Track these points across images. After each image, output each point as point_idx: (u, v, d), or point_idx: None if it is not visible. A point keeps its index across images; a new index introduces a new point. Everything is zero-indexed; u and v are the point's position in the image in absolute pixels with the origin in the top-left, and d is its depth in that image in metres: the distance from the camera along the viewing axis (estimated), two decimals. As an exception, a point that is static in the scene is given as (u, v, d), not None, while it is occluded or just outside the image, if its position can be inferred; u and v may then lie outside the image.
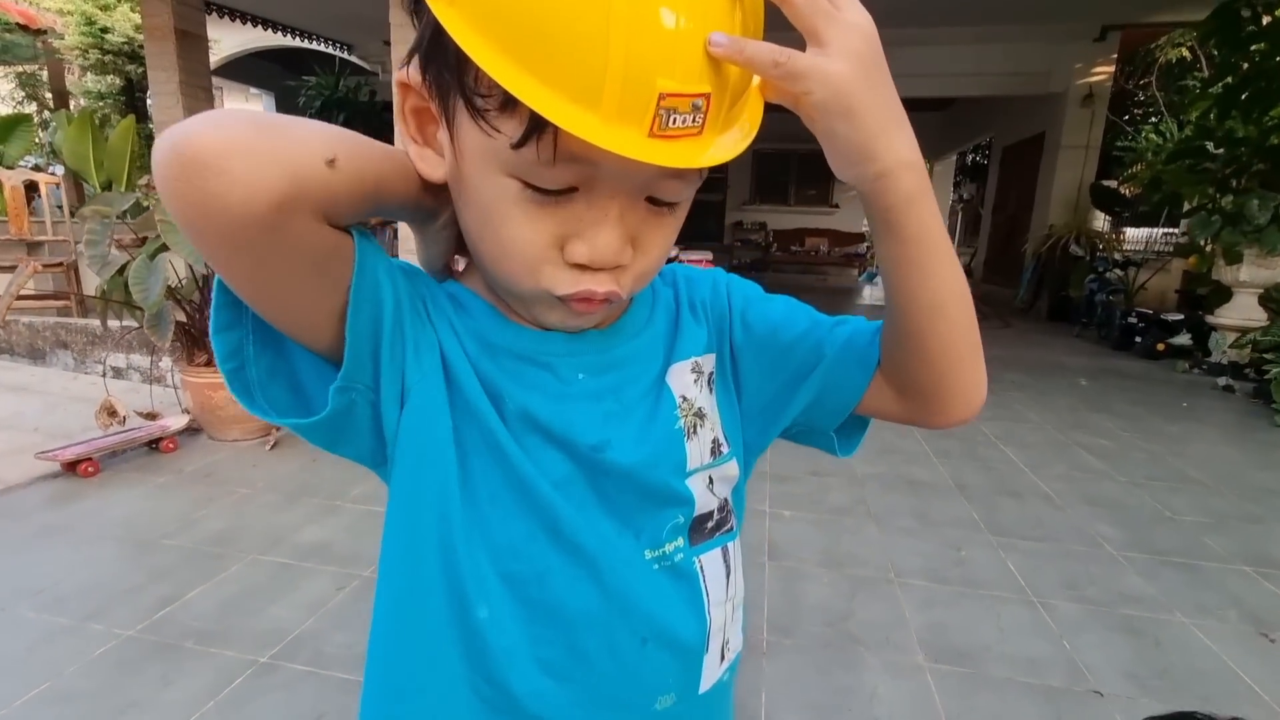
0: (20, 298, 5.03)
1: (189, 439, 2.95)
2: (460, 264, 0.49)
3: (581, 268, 0.39)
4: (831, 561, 2.06)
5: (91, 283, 5.10)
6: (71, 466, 2.49)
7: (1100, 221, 8.79)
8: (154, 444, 2.79)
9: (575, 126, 0.32)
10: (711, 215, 14.66)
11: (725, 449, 0.50)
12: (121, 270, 2.61)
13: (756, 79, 0.38)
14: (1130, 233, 9.39)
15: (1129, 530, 2.35)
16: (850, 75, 0.35)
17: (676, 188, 0.40)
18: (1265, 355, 4.34)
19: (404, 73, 0.39)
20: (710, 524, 0.50)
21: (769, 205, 15.60)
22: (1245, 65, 6.45)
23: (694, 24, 0.32)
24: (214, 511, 2.28)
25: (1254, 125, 6.70)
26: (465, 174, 0.39)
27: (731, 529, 0.52)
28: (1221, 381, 4.72)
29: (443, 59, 0.36)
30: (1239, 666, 1.62)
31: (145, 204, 2.95)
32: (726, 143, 0.36)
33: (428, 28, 0.36)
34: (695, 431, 0.48)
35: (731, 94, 0.35)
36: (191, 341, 2.88)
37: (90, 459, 2.51)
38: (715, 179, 15.18)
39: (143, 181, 5.81)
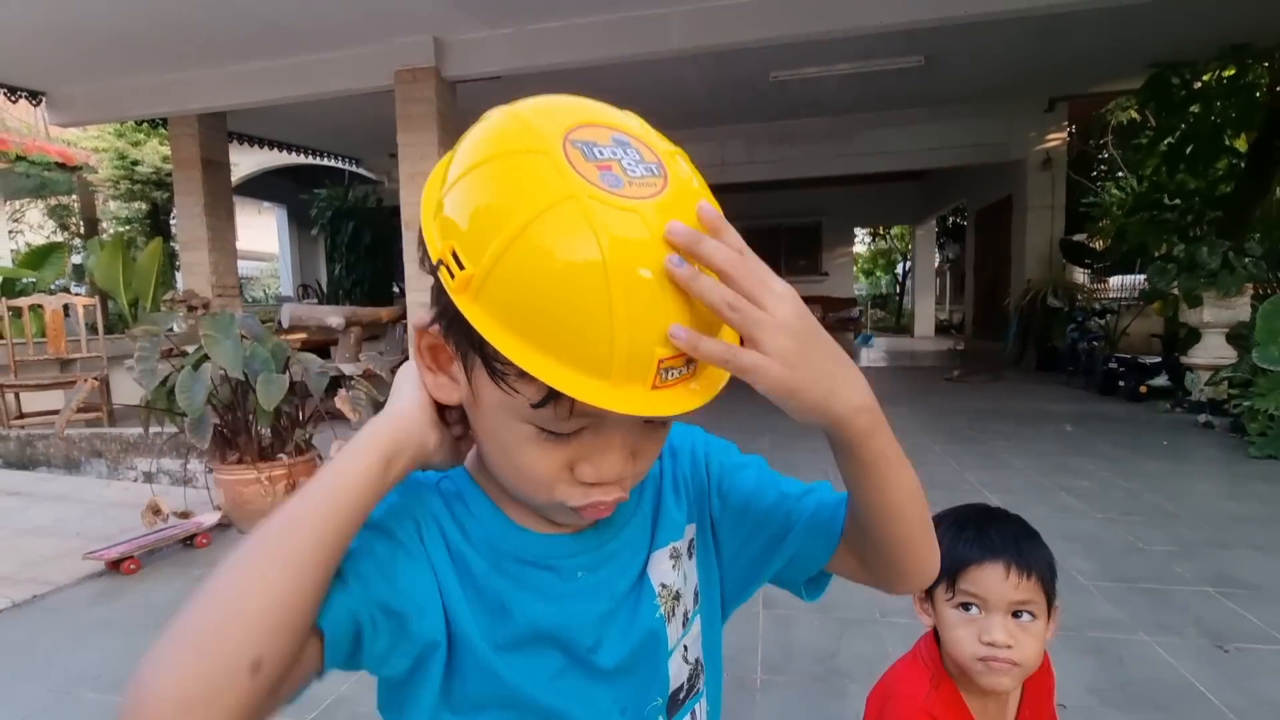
0: (54, 412, 5.35)
1: (220, 534, 3.15)
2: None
3: (588, 482, 0.43)
4: (821, 608, 2.21)
5: (120, 395, 5.41)
6: (115, 565, 2.69)
7: (1080, 275, 9.19)
8: (189, 540, 2.99)
9: (590, 396, 0.36)
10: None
11: (691, 610, 0.55)
12: (164, 381, 2.91)
13: None
14: (1114, 281, 9.79)
15: (1101, 562, 2.50)
16: (784, 371, 0.38)
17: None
18: (1233, 391, 4.55)
19: (423, 322, 0.44)
20: (683, 694, 0.55)
21: (760, 277, 16.13)
22: (1184, 125, 6.97)
23: (678, 305, 0.37)
24: (249, 597, 2.45)
25: (1201, 178, 7.17)
26: (482, 413, 0.43)
27: (699, 690, 0.57)
28: (1201, 419, 4.90)
29: (463, 330, 0.39)
30: (1194, 676, 1.76)
31: (182, 319, 3.26)
32: (714, 375, 0.42)
33: (448, 303, 0.39)
34: (673, 614, 0.53)
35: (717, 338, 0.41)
36: (224, 442, 3.13)
37: (132, 557, 2.71)
38: (707, 256, 15.78)
39: (166, 297, 6.22)
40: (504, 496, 0.49)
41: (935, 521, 0.96)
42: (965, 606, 0.91)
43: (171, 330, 2.94)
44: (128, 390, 5.41)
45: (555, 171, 0.36)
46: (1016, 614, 0.89)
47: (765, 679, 1.81)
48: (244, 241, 7.89)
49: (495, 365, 0.39)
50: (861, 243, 21.95)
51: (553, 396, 0.38)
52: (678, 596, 0.54)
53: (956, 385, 7.41)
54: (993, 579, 0.88)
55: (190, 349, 2.92)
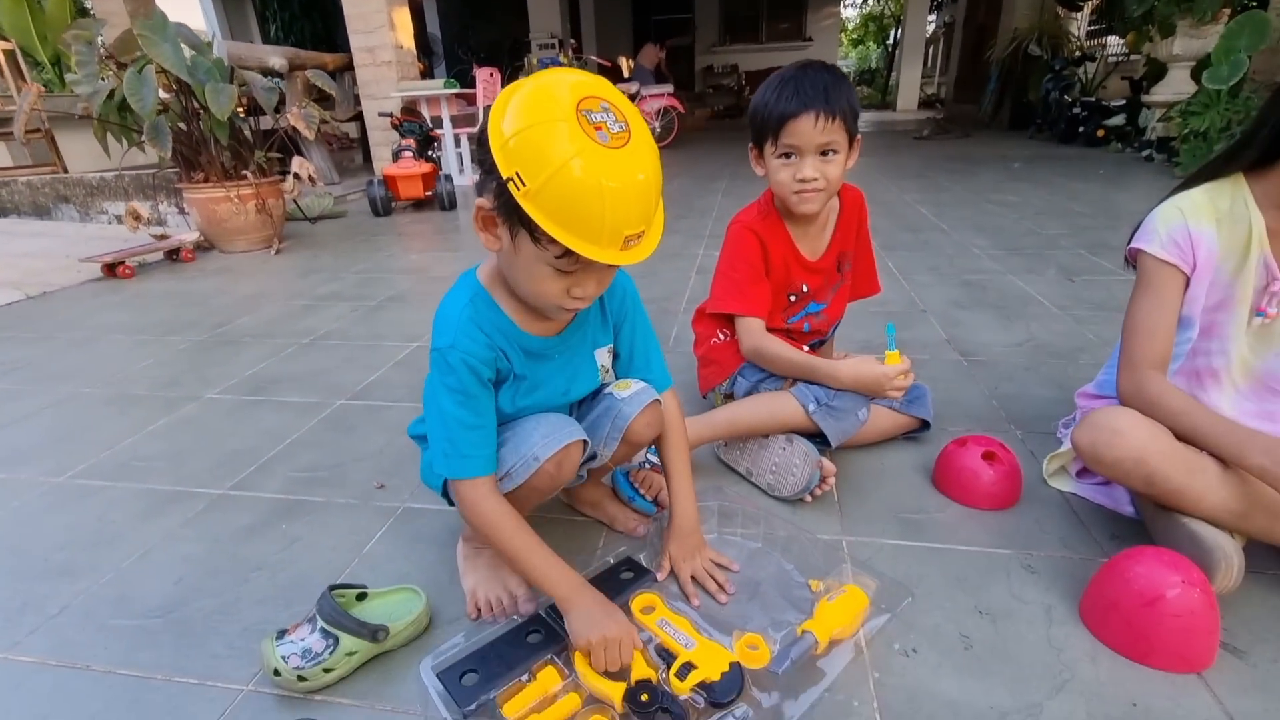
0: (10, 169, 5.24)
1: (203, 253, 3.36)
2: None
3: (578, 297, 0.78)
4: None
5: (74, 163, 5.27)
6: (111, 270, 2.93)
7: (1074, 25, 8.67)
8: (174, 255, 3.21)
9: (589, 254, 0.69)
10: (681, 60, 14.04)
11: (611, 371, 1.00)
12: (111, 95, 2.89)
13: (661, 210, 0.75)
14: (1111, 41, 9.26)
15: (998, 240, 2.84)
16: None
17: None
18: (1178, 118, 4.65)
19: (482, 203, 0.75)
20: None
21: (740, 45, 14.87)
22: None
23: (638, 208, 0.70)
24: (243, 285, 2.74)
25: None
26: (518, 256, 0.75)
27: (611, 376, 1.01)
28: (1145, 154, 5.08)
29: (517, 214, 0.70)
30: (1036, 291, 2.15)
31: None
32: (652, 238, 0.75)
33: (501, 188, 0.69)
34: (605, 375, 0.98)
35: (653, 222, 0.74)
36: (186, 163, 3.21)
37: (125, 263, 2.94)
38: (683, 19, 14.42)
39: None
40: (513, 311, 0.85)
41: (763, 86, 1.15)
42: (786, 155, 1.13)
43: (102, 39, 2.85)
44: (79, 156, 5.27)
45: (574, 134, 0.65)
46: (824, 154, 1.12)
47: (688, 300, 2.18)
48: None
49: (536, 235, 0.71)
50: (851, 5, 20.00)
51: (569, 252, 0.70)
52: (608, 370, 0.98)
53: (923, 142, 7.40)
54: (805, 127, 1.08)
55: (137, 55, 2.86)
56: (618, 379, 0.98)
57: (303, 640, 0.81)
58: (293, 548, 1.09)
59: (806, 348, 1.30)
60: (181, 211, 3.92)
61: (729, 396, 1.34)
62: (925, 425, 1.30)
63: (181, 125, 3.12)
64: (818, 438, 1.15)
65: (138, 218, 2.98)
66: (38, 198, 4.27)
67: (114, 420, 1.57)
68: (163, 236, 3.32)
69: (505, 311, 0.85)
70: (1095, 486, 1.14)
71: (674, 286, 2.40)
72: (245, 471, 1.33)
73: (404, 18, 5.48)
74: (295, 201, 3.89)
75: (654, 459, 1.17)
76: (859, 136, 1.16)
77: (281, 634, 0.82)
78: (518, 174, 0.67)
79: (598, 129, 0.66)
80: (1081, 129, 6.15)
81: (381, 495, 1.23)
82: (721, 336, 1.33)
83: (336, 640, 0.81)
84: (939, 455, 1.19)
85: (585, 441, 0.88)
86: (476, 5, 12.25)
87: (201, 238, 3.37)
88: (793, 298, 1.29)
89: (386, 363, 1.84)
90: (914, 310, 2.06)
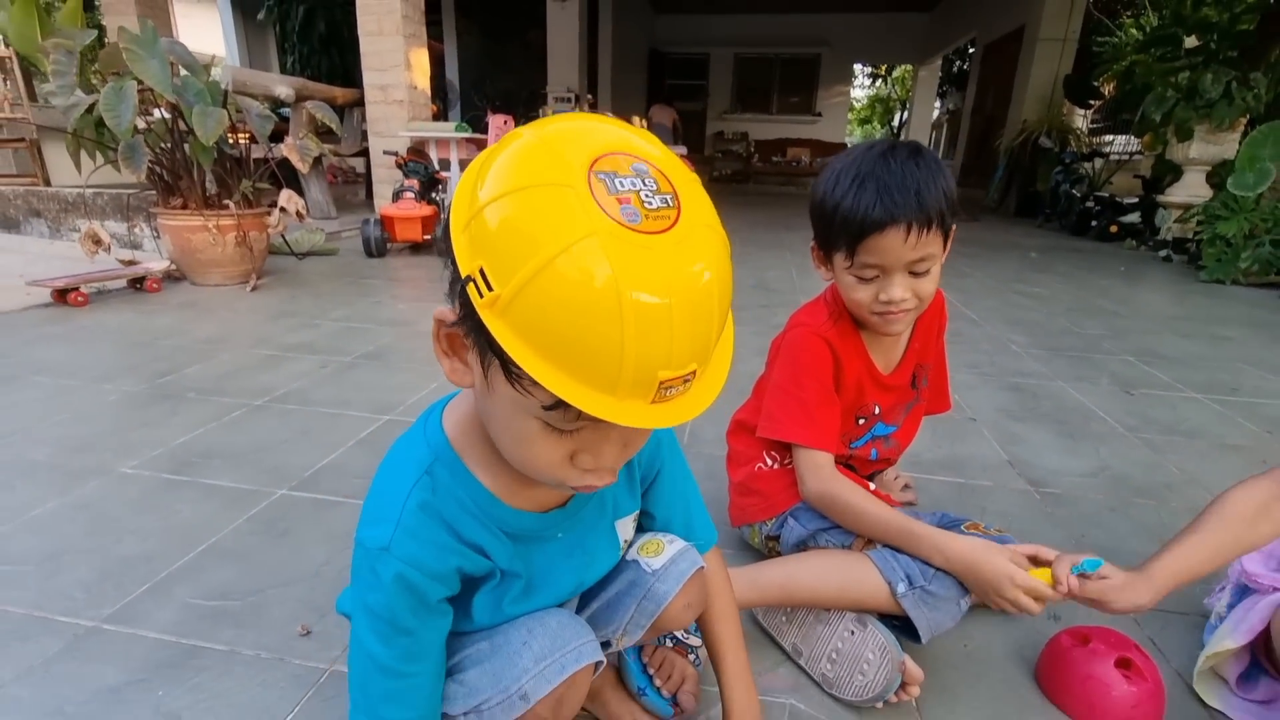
0: (-13, 177, 5.00)
1: (172, 284, 3.09)
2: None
3: (587, 469, 0.49)
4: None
5: (57, 176, 5.05)
6: (62, 296, 2.65)
7: (1079, 119, 8.84)
8: (138, 284, 2.94)
9: (596, 409, 0.41)
10: (692, 124, 14.29)
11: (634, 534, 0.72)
12: (90, 109, 2.68)
13: (728, 336, 0.47)
14: (1115, 142, 9.46)
15: (1036, 337, 2.62)
16: None
17: None
18: (1199, 226, 4.57)
19: (443, 314, 0.47)
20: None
21: (750, 114, 15.24)
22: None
23: (687, 334, 0.41)
24: (204, 325, 2.46)
25: (1226, 9, 6.66)
26: (495, 403, 0.48)
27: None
28: (1162, 254, 4.98)
29: (485, 336, 0.42)
30: (1096, 406, 1.90)
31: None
32: (714, 379, 0.46)
33: (473, 310, 0.42)
34: (625, 548, 0.71)
35: (712, 358, 0.45)
36: (166, 188, 2.97)
37: (79, 290, 2.66)
38: (696, 86, 14.78)
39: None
40: (494, 474, 0.57)
41: (830, 172, 0.90)
42: (864, 276, 0.88)
43: (92, 50, 2.65)
44: (66, 170, 5.06)
45: (580, 207, 0.39)
46: (916, 270, 0.86)
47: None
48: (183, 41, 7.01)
49: (512, 369, 0.43)
50: (860, 86, 20.71)
51: (563, 403, 0.42)
52: (630, 544, 0.70)
53: (933, 222, 7.36)
54: (892, 245, 0.83)
55: (121, 71, 2.66)
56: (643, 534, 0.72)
57: None
58: (163, 733, 0.78)
59: (873, 485, 1.03)
60: (156, 230, 3.67)
61: (773, 539, 1.06)
62: (1018, 596, 1.01)
63: (164, 145, 2.90)
64: (895, 620, 0.87)
65: (98, 242, 2.72)
66: (8, 210, 4.02)
67: (-8, 497, 1.26)
68: (130, 262, 3.06)
69: (482, 480, 0.56)
70: (1259, 707, 0.86)
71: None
72: (134, 593, 1.02)
73: (421, 58, 5.41)
74: (283, 236, 3.65)
75: (680, 634, 0.88)
76: (954, 230, 0.91)
77: None
78: (482, 271, 0.40)
79: (622, 201, 0.39)
80: (1094, 223, 6.10)
81: (304, 646, 0.92)
82: (769, 462, 1.05)
83: None
84: (1047, 647, 0.91)
85: (600, 661, 0.60)
86: (496, 56, 12.47)
87: (173, 267, 3.10)
88: (861, 420, 1.03)
89: (347, 440, 1.54)
90: (961, 417, 1.81)
